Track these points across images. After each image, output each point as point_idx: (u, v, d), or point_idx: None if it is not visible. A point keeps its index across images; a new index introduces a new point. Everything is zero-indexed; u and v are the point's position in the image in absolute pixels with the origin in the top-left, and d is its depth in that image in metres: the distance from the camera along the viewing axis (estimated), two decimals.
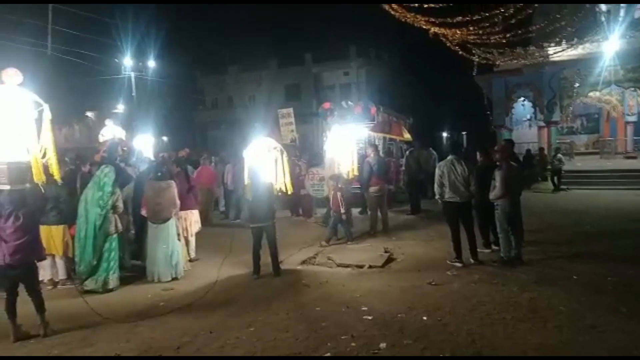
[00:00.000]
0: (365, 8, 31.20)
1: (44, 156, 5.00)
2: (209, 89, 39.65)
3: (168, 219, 7.24)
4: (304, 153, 12.93)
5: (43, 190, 5.12)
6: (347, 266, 7.36)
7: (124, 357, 4.44)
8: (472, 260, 7.10)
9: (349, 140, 9.63)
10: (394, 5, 7.46)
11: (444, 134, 40.40)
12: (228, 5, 41.39)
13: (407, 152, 12.77)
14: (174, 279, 7.05)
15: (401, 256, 7.83)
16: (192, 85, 37.82)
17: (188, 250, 8.05)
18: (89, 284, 6.42)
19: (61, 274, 6.82)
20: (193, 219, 8.30)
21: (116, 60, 24.57)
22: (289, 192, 7.98)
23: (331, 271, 7.23)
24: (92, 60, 21.85)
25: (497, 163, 7.22)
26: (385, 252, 7.96)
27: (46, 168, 5.09)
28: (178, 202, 7.40)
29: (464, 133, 36.94)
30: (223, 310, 5.59)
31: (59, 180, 5.46)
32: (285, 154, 7.92)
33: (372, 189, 9.68)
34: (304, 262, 7.79)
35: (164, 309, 5.74)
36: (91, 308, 5.35)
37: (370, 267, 7.21)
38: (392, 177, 11.28)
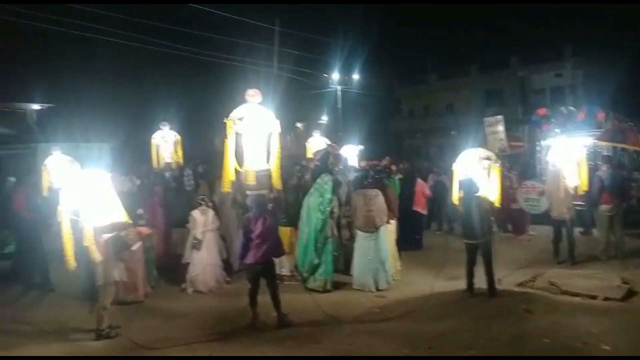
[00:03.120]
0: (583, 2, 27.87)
1: (273, 165, 5.63)
2: (406, 98, 39.98)
3: (379, 227, 7.39)
4: (515, 164, 11.95)
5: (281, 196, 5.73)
6: (576, 295, 6.48)
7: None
8: None
9: (576, 150, 8.54)
10: None
11: None
12: (429, 12, 41.39)
13: None
14: (383, 287, 7.13)
15: None
16: (390, 95, 38.65)
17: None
18: (311, 283, 6.93)
19: (286, 271, 7.51)
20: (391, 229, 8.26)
21: (325, 75, 26.56)
22: (498, 206, 7.43)
23: (555, 298, 6.46)
24: (304, 76, 24.02)
25: None
26: (624, 282, 6.79)
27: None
28: (386, 210, 7.47)
29: None
30: (439, 325, 5.44)
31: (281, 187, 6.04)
32: (498, 164, 7.41)
33: (604, 207, 8.41)
34: (520, 285, 7.15)
35: (379, 315, 5.85)
36: (319, 307, 5.73)
37: (606, 299, 6.23)
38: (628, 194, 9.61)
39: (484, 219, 6.78)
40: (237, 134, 5.70)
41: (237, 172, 5.75)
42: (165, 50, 18.21)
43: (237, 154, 5.66)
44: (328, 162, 10.36)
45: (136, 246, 6.21)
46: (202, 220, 7.42)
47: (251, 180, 5.64)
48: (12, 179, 9.66)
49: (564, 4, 31.75)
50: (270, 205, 5.62)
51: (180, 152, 11.13)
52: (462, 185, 6.97)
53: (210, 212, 7.60)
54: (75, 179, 5.35)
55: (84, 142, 13.05)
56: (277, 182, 5.71)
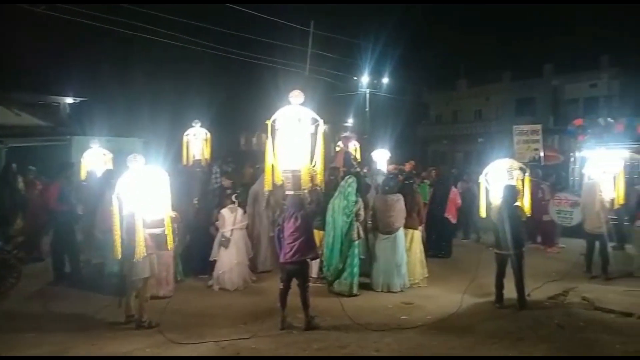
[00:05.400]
0: (621, 9, 27.17)
1: (314, 165, 5.63)
2: (435, 103, 39.67)
3: (398, 229, 7.37)
4: (548, 175, 11.69)
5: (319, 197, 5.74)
6: (610, 311, 6.26)
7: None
8: None
9: (613, 163, 8.30)
10: None
11: None
12: (463, 17, 40.95)
13: None
14: (401, 290, 7.20)
15: None
16: (418, 100, 38.37)
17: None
18: (337, 287, 6.90)
19: (314, 273, 7.49)
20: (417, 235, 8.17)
21: (355, 78, 26.52)
22: (529, 217, 7.27)
23: (589, 314, 6.25)
24: (334, 78, 24.04)
25: None
26: None
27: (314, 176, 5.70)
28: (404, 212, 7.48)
29: None
30: (467, 337, 5.33)
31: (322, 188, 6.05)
32: (527, 174, 7.25)
33: None
34: (551, 298, 6.95)
35: (406, 323, 5.77)
36: (345, 312, 5.70)
37: None
38: None
39: (517, 230, 6.67)
40: (279, 134, 5.77)
41: (277, 172, 5.83)
42: (199, 49, 18.45)
43: (278, 155, 5.73)
44: (351, 162, 10.27)
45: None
46: (231, 218, 7.47)
47: (292, 181, 5.70)
48: (32, 168, 9.75)
49: (601, 13, 31.03)
50: (308, 206, 5.63)
51: (208, 150, 11.25)
52: (502, 194, 6.82)
53: (239, 211, 7.66)
54: (133, 174, 5.47)
55: (116, 136, 13.32)
56: (320, 182, 5.77)
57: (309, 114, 5.64)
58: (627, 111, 19.26)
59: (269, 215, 8.29)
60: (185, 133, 11.19)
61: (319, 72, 21.47)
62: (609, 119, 11.29)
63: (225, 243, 7.41)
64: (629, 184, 8.92)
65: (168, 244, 5.52)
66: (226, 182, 9.08)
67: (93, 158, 10.17)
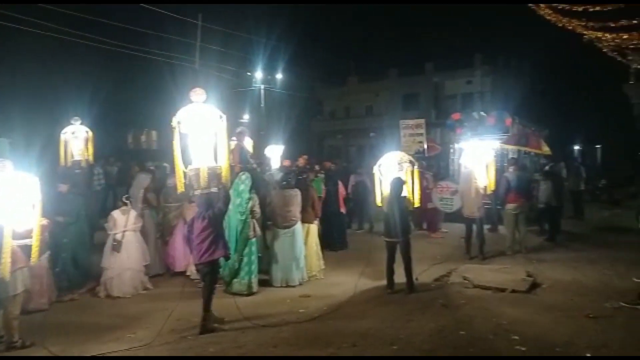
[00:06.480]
0: (493, 12, 29.97)
1: (220, 163, 5.51)
2: (328, 99, 40.57)
3: (296, 224, 7.47)
4: (430, 165, 12.55)
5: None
6: (487, 288, 6.90)
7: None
8: None
9: (486, 153, 9.13)
10: (548, 10, 6.93)
11: (576, 147, 36.99)
12: (352, 16, 42.31)
13: (548, 167, 11.81)
14: (300, 283, 7.29)
15: (546, 281, 7.18)
16: (312, 96, 38.99)
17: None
18: (235, 287, 6.78)
19: None
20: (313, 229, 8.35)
21: (248, 73, 26.19)
22: (417, 206, 7.77)
23: (469, 292, 6.83)
24: (227, 73, 23.50)
25: None
26: (528, 276, 7.35)
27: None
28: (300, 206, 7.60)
29: (598, 147, 33.51)
30: (362, 323, 5.54)
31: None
32: (416, 166, 7.74)
33: (510, 206, 9.07)
34: (437, 280, 7.50)
35: (304, 316, 5.85)
36: (239, 311, 5.60)
37: (513, 291, 6.70)
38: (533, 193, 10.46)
39: (405, 218, 7.08)
40: (183, 133, 5.55)
41: (184, 172, 5.62)
42: (77, 41, 16.92)
43: (184, 154, 5.55)
44: (247, 158, 10.14)
45: (46, 254, 5.77)
46: (122, 220, 7.07)
47: (200, 180, 5.51)
48: None
49: (475, 13, 33.91)
50: (218, 204, 5.47)
51: (91, 150, 10.40)
52: (390, 185, 7.16)
53: (132, 212, 7.28)
54: None
55: None
56: (226, 180, 5.63)
57: (213, 111, 5.53)
58: (497, 106, 21.34)
59: (154, 216, 7.99)
60: (63, 131, 10.21)
61: (211, 66, 20.87)
62: (482, 113, 12.39)
63: (117, 247, 6.98)
64: (500, 171, 9.85)
65: (33, 256, 4.95)
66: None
67: None
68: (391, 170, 7.42)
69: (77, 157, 10.11)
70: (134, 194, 8.11)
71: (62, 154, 10.10)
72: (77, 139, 10.23)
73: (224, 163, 5.53)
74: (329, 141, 38.86)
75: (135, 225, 7.24)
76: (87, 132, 10.33)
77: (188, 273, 7.58)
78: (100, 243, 7.47)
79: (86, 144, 10.29)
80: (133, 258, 7.08)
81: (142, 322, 5.76)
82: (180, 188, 6.02)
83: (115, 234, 7.05)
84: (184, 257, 7.83)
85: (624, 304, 5.91)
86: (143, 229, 7.66)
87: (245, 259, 6.98)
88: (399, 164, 7.54)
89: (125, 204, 7.29)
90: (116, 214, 7.18)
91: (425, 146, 12.79)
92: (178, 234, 7.89)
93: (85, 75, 19.83)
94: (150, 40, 19.11)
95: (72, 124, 10.23)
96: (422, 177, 11.06)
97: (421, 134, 12.93)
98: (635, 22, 6.91)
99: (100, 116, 14.11)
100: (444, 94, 33.48)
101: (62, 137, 10.16)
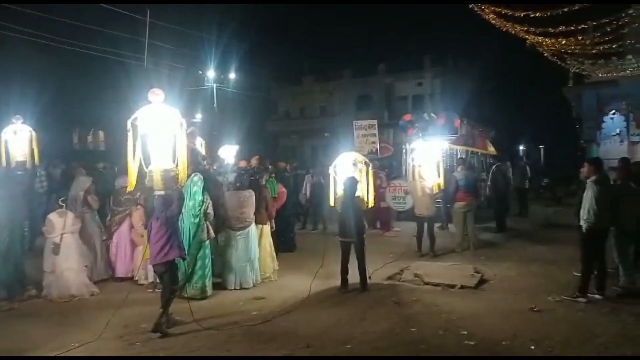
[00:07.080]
0: (442, 16, 30.84)
1: (177, 165, 5.39)
2: (282, 99, 40.50)
3: (250, 225, 7.41)
4: (383, 165, 12.75)
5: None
6: (437, 285, 7.10)
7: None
8: (597, 296, 6.21)
9: (435, 153, 9.37)
10: (492, 15, 7.20)
11: (521, 147, 38.67)
12: (305, 17, 42.34)
13: (494, 167, 12.27)
14: (254, 285, 7.22)
15: (494, 277, 7.47)
16: (266, 96, 38.80)
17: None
18: (189, 291, 6.62)
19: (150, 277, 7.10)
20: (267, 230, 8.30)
21: (200, 71, 25.70)
22: (372, 206, 7.88)
23: (420, 289, 7.00)
24: (178, 72, 22.96)
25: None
26: (476, 272, 7.60)
27: None
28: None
29: (541, 147, 35.19)
30: (316, 323, 5.56)
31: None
32: (370, 167, 7.84)
33: (458, 204, 9.36)
34: (390, 278, 7.63)
35: (258, 318, 5.79)
36: (194, 318, 5.48)
37: (462, 287, 6.92)
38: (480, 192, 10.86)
39: (359, 218, 7.16)
40: (141, 135, 5.37)
41: (141, 173, 5.45)
42: (18, 37, 16.03)
43: (143, 155, 5.38)
44: (198, 159, 9.96)
45: None
46: (60, 223, 6.81)
47: (157, 181, 5.35)
48: None
49: (426, 14, 34.79)
50: (171, 206, 5.34)
51: (36, 150, 9.88)
52: (344, 186, 7.20)
53: (70, 214, 7.01)
54: None
55: None
56: (182, 182, 5.52)
57: (172, 112, 5.38)
58: (447, 107, 21.97)
59: (97, 219, 7.78)
60: (3, 131, 9.66)
61: (162, 64, 20.34)
62: (432, 114, 12.71)
63: (55, 250, 6.73)
64: (449, 171, 10.14)
65: None
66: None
67: None
68: (346, 171, 7.48)
69: (20, 158, 9.59)
70: (73, 196, 7.81)
71: (2, 155, 9.56)
72: (18, 139, 9.71)
73: (180, 165, 5.41)
74: (284, 141, 38.80)
75: (73, 227, 7.01)
76: (30, 131, 9.81)
77: (136, 278, 7.36)
78: (42, 247, 7.12)
79: (30, 144, 9.78)
80: (72, 258, 6.85)
81: (86, 329, 5.51)
82: (131, 187, 5.89)
83: (53, 237, 6.81)
84: (129, 261, 7.62)
85: (565, 297, 6.23)
86: (85, 232, 7.40)
87: (199, 263, 6.81)
88: (354, 164, 7.61)
89: (61, 206, 7.07)
90: (53, 217, 6.94)
91: (378, 147, 12.99)
92: (121, 238, 7.66)
93: (28, 72, 18.86)
94: (98, 38, 18.43)
95: (13, 122, 9.70)
96: (376, 175, 11.27)
97: (374, 135, 13.13)
98: (572, 28, 7.30)
99: (43, 115, 13.46)
100: (395, 95, 34.16)
101: (3, 136, 9.61)
